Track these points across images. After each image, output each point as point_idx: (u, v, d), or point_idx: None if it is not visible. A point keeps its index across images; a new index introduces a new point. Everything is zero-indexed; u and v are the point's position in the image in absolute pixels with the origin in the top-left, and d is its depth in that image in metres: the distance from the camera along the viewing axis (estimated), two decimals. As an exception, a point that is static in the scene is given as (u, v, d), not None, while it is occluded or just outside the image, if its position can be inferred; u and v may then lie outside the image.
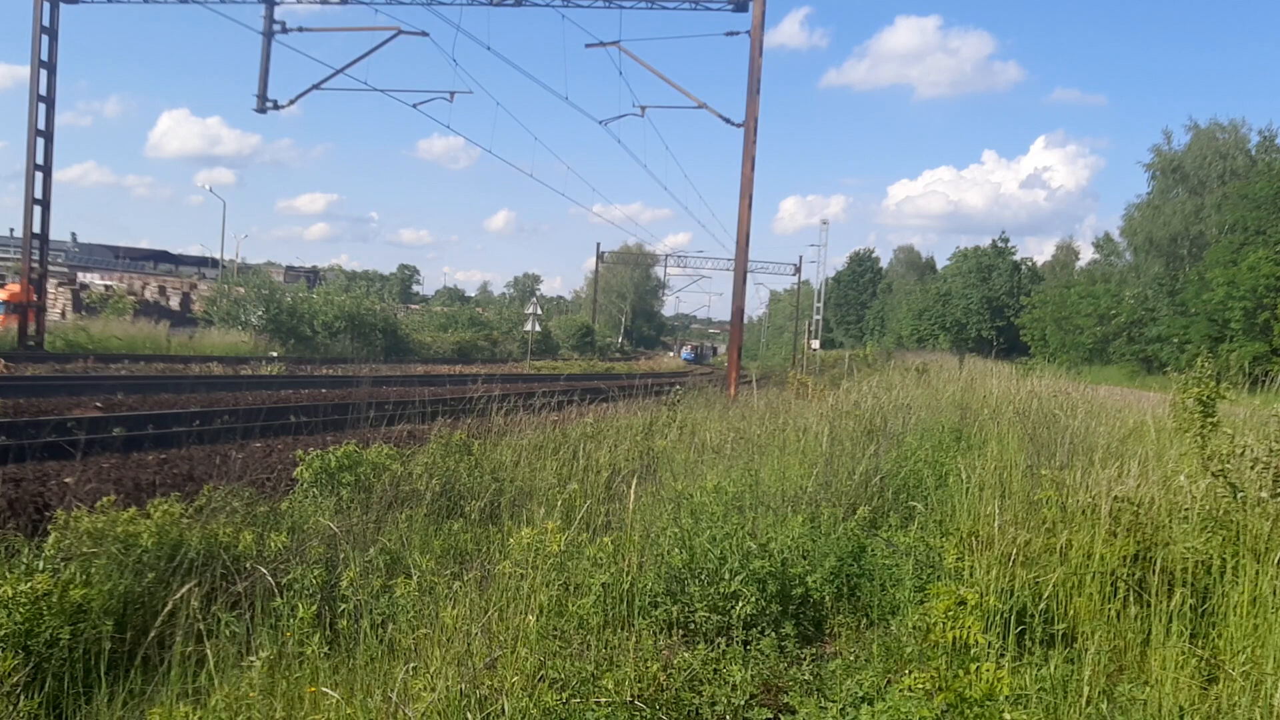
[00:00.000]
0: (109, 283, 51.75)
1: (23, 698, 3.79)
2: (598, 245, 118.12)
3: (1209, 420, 5.72)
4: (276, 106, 27.05)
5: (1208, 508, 5.21)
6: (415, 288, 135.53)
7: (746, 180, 22.81)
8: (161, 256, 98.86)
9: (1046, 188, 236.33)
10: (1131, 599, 4.67)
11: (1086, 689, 3.87)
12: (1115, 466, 6.33)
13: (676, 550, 5.11)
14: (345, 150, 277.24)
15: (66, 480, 8.20)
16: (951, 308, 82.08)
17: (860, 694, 3.84)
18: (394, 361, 40.51)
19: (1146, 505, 5.43)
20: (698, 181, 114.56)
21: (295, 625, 4.22)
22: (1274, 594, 4.44)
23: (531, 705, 3.47)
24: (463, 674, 3.61)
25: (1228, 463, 5.40)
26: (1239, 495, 5.23)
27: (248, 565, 5.00)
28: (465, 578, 4.72)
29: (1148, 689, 3.90)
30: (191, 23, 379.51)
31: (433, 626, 4.15)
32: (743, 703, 3.85)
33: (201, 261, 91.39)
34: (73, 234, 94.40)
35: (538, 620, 4.22)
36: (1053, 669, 4.03)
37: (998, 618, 4.26)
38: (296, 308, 42.44)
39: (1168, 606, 4.43)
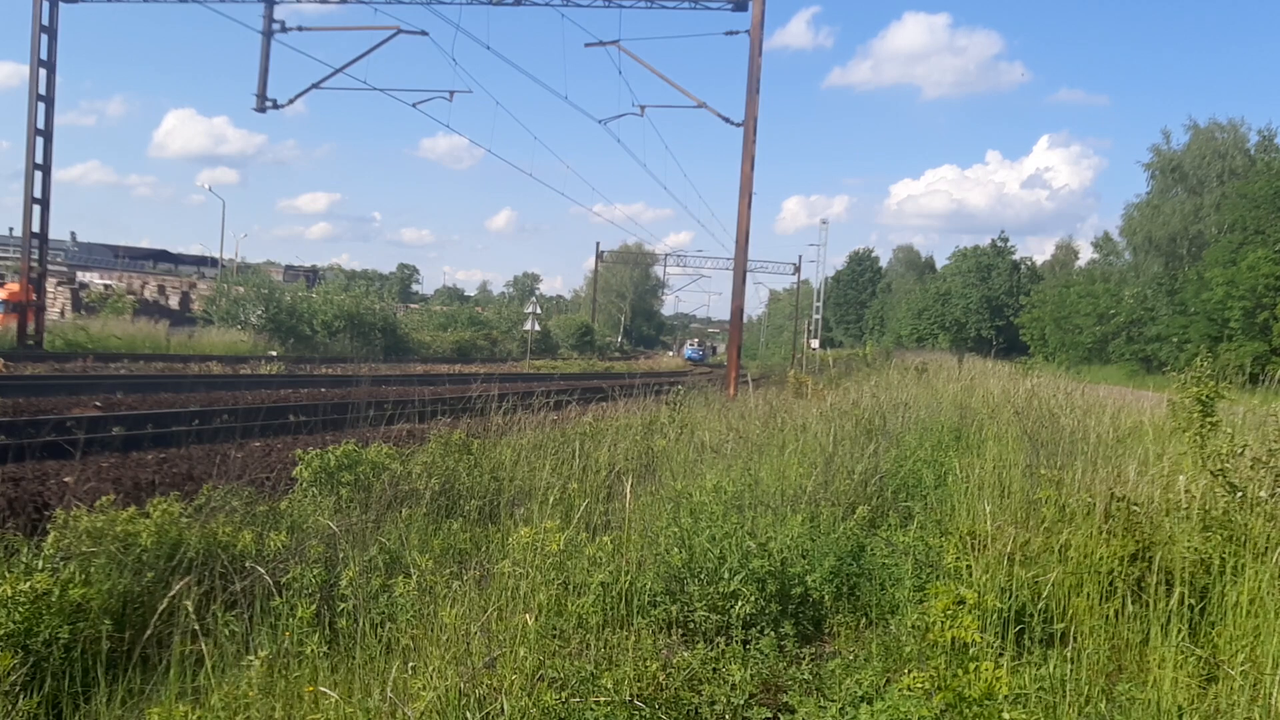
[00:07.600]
0: (108, 282, 51.74)
1: (21, 697, 3.79)
2: (597, 244, 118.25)
3: (1208, 420, 5.72)
4: (276, 106, 27.09)
5: (1206, 507, 5.21)
6: (415, 287, 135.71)
7: (746, 179, 22.81)
8: (161, 256, 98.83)
9: (1049, 188, 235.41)
10: (1130, 598, 4.67)
11: (1085, 688, 3.88)
12: (1114, 466, 6.33)
13: (676, 549, 5.11)
14: (348, 150, 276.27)
15: (66, 479, 8.19)
16: (951, 307, 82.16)
17: (859, 693, 3.84)
18: (393, 361, 40.47)
19: (1145, 504, 5.43)
20: (697, 181, 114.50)
21: (294, 624, 4.22)
22: (1273, 594, 4.45)
23: (531, 705, 3.46)
24: (461, 673, 3.61)
25: (1227, 462, 5.40)
26: (1238, 495, 5.23)
27: (247, 565, 4.99)
28: (464, 577, 4.72)
29: (1147, 688, 3.90)
30: (191, 22, 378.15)
31: (432, 626, 4.15)
32: (742, 702, 3.85)
33: (201, 261, 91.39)
34: (72, 233, 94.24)
35: (536, 620, 4.21)
36: (1051, 668, 4.03)
37: (996, 617, 4.25)
38: (296, 307, 42.43)
39: (1166, 606, 4.43)
